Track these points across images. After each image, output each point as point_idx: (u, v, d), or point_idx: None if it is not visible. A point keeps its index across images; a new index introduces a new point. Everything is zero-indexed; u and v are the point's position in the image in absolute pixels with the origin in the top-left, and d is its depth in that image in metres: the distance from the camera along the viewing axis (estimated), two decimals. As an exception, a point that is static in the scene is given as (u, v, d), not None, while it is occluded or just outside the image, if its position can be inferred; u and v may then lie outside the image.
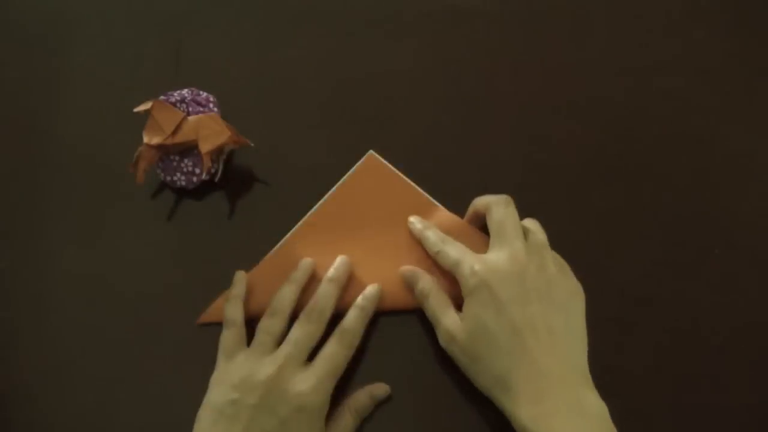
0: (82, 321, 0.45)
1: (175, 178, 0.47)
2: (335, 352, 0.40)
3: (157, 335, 0.45)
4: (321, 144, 0.50)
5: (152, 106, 0.45)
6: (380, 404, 0.42)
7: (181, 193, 0.49)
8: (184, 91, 0.48)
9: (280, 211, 0.47)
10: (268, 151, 0.49)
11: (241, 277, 0.44)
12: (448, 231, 0.45)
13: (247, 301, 0.44)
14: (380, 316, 0.44)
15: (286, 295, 0.42)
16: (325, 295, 0.42)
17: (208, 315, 0.45)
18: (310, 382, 0.38)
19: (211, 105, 0.48)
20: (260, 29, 0.54)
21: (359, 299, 0.43)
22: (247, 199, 0.49)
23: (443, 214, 0.47)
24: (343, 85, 0.52)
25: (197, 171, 0.47)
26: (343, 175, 0.48)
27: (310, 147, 0.49)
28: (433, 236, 0.43)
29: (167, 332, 0.45)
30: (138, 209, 0.48)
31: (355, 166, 0.48)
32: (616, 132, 0.50)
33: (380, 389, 0.42)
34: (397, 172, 0.48)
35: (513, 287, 0.38)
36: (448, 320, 0.40)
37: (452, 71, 0.52)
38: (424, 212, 0.47)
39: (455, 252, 0.41)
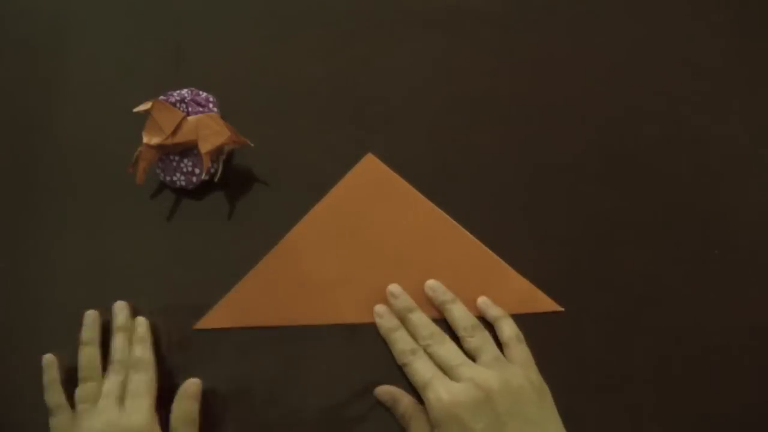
0: (81, 321, 0.45)
1: (174, 178, 0.47)
2: (138, 380, 0.41)
3: (157, 335, 0.45)
4: (321, 144, 0.50)
5: (152, 106, 0.45)
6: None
7: (181, 193, 0.49)
8: (184, 91, 0.48)
9: (280, 211, 0.47)
10: (268, 151, 0.49)
11: (49, 362, 0.43)
12: (445, 239, 0.45)
13: (247, 307, 0.44)
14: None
15: (89, 358, 0.42)
16: (119, 347, 0.43)
17: (206, 321, 0.45)
18: (129, 411, 0.39)
19: (211, 105, 0.48)
20: (260, 29, 0.54)
21: (136, 332, 0.44)
22: (247, 199, 0.48)
23: (440, 216, 0.47)
24: (343, 85, 0.52)
25: (197, 171, 0.47)
26: (343, 175, 0.48)
27: (310, 147, 0.49)
28: (401, 343, 0.42)
29: (167, 332, 0.45)
30: (138, 209, 0.48)
31: (353, 168, 0.48)
32: (616, 132, 0.50)
33: (192, 386, 0.42)
34: (395, 174, 0.48)
35: (484, 416, 0.37)
36: None
37: (453, 72, 0.52)
38: (422, 216, 0.47)
39: (424, 371, 0.40)
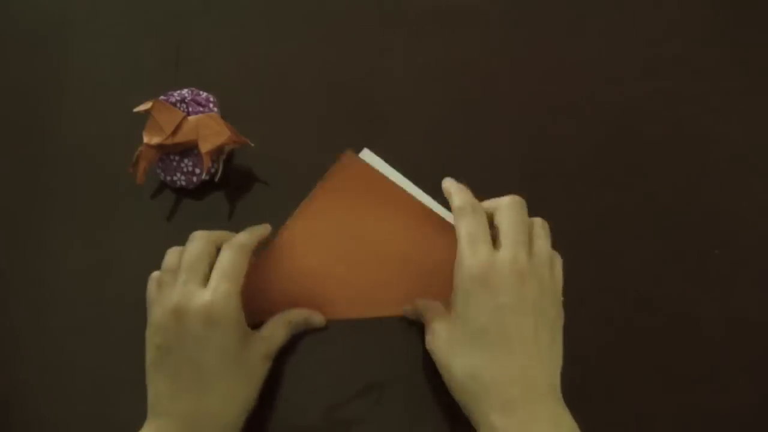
0: (82, 321, 0.45)
1: (175, 178, 0.47)
2: (227, 258, 0.39)
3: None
4: (321, 144, 0.50)
5: (152, 106, 0.45)
6: (372, 406, 0.42)
7: (181, 193, 0.49)
8: (184, 91, 0.48)
9: (280, 211, 0.47)
10: (268, 151, 0.49)
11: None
12: (423, 223, 0.46)
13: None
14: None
15: (200, 235, 0.41)
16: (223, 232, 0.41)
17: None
18: (208, 291, 0.38)
19: (211, 105, 0.48)
20: (260, 29, 0.54)
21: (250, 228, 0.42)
22: (247, 199, 0.49)
23: (419, 206, 0.47)
24: (343, 85, 0.52)
25: (197, 171, 0.47)
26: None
27: (310, 147, 0.49)
28: (466, 196, 0.40)
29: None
30: (138, 209, 0.48)
31: (332, 166, 0.48)
32: (616, 132, 0.50)
33: (317, 317, 0.42)
34: (374, 168, 0.48)
35: (512, 292, 0.36)
36: (436, 319, 0.40)
37: (453, 71, 0.52)
38: (404, 206, 0.47)
39: (471, 227, 0.38)
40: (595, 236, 0.47)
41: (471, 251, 0.37)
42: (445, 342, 0.38)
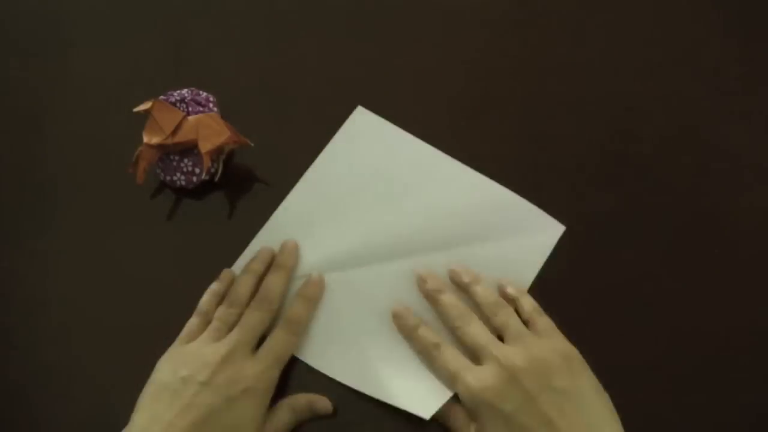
0: (82, 321, 0.45)
1: (175, 178, 0.47)
2: (280, 340, 0.41)
3: (158, 335, 0.45)
4: (321, 144, 0.49)
5: (152, 106, 0.45)
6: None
7: (181, 193, 0.49)
8: (184, 91, 0.48)
9: (280, 211, 0.47)
10: (268, 151, 0.49)
11: (225, 274, 0.45)
12: (448, 178, 0.47)
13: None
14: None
15: (244, 285, 0.43)
16: (273, 283, 0.43)
17: None
18: (258, 367, 0.39)
19: (211, 105, 0.48)
20: (260, 29, 0.54)
21: (303, 286, 0.44)
22: (247, 199, 0.49)
23: (440, 156, 0.48)
24: (343, 84, 0.52)
25: (197, 171, 0.47)
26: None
27: (310, 147, 0.49)
28: (424, 339, 0.42)
29: (167, 332, 0.45)
30: (138, 209, 0.48)
31: (344, 122, 0.49)
32: (616, 132, 0.50)
33: (322, 402, 0.42)
34: (389, 123, 0.49)
35: (513, 396, 0.37)
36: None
37: (453, 71, 0.52)
38: (423, 161, 0.48)
39: (450, 364, 0.40)
40: (595, 236, 0.47)
41: (461, 384, 0.38)
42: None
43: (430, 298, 0.43)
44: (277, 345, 0.41)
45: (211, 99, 0.49)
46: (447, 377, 0.40)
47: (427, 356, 0.41)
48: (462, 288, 0.44)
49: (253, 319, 0.41)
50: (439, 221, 0.46)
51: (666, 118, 0.51)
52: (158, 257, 0.47)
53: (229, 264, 0.46)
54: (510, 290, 0.44)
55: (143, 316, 0.45)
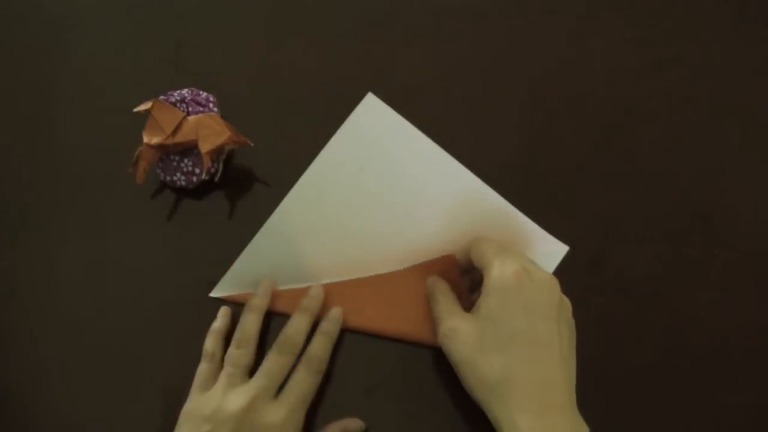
0: (82, 321, 0.45)
1: (175, 178, 0.47)
2: (303, 380, 0.41)
3: (157, 335, 0.45)
4: (321, 144, 0.49)
5: (152, 106, 0.45)
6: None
7: (181, 193, 0.49)
8: (184, 91, 0.48)
9: (280, 211, 0.47)
10: (268, 151, 0.49)
11: (225, 312, 0.44)
12: (450, 179, 0.47)
13: (261, 268, 0.45)
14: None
15: (251, 324, 0.42)
16: (297, 326, 0.42)
17: (222, 288, 0.46)
18: (282, 413, 0.39)
19: (211, 105, 0.48)
20: (260, 29, 0.54)
21: (323, 324, 0.43)
22: (247, 199, 0.49)
23: (443, 156, 0.48)
24: (343, 84, 0.52)
25: (197, 171, 0.47)
26: (343, 175, 0.48)
27: (310, 147, 0.49)
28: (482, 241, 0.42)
29: (167, 332, 0.45)
30: (138, 209, 0.48)
31: (354, 109, 0.49)
32: (616, 131, 0.50)
33: (354, 424, 0.42)
34: (398, 115, 0.49)
35: (544, 299, 0.38)
36: (452, 317, 0.40)
37: (453, 72, 0.52)
38: (426, 155, 0.48)
39: (494, 246, 0.40)
40: (594, 236, 0.47)
41: (501, 260, 0.39)
42: (472, 342, 0.38)
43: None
44: (299, 386, 0.40)
45: (211, 99, 0.49)
46: (487, 255, 0.40)
47: (481, 241, 0.42)
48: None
49: (278, 366, 0.41)
50: (445, 231, 0.46)
51: (666, 117, 0.51)
52: (158, 257, 0.47)
53: (230, 263, 0.46)
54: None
55: (143, 316, 0.45)
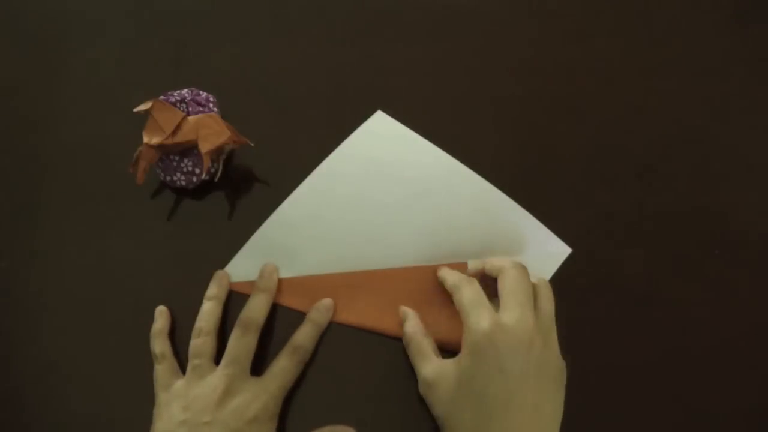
0: (81, 321, 0.45)
1: (175, 178, 0.47)
2: (286, 367, 0.41)
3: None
4: (321, 144, 0.49)
5: (152, 106, 0.45)
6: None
7: (181, 193, 0.49)
8: (184, 91, 0.48)
9: (280, 211, 0.47)
10: (268, 151, 0.49)
11: (160, 313, 0.44)
12: (462, 187, 0.47)
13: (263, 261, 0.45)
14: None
15: (210, 313, 0.43)
16: (256, 305, 0.43)
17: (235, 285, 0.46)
18: (262, 396, 0.39)
19: (211, 105, 0.48)
20: (261, 29, 0.54)
21: (312, 312, 0.44)
22: (247, 199, 0.49)
23: (454, 164, 0.48)
24: (343, 84, 0.52)
25: (197, 171, 0.47)
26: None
27: (310, 147, 0.49)
28: (451, 276, 0.43)
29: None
30: (138, 209, 0.48)
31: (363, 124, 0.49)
32: (616, 131, 0.50)
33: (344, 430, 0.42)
34: (408, 129, 0.49)
35: (519, 358, 0.37)
36: (428, 368, 0.40)
37: (453, 72, 0.52)
38: (437, 167, 0.48)
39: (471, 295, 0.40)
40: (595, 236, 0.47)
41: (476, 315, 0.38)
42: (445, 394, 0.39)
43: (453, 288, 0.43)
44: (281, 372, 0.41)
45: (211, 99, 0.49)
46: (465, 306, 0.39)
47: (454, 288, 0.41)
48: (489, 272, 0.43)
49: (243, 346, 0.41)
50: (447, 230, 0.46)
51: (666, 117, 0.51)
52: (158, 257, 0.47)
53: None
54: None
55: (143, 316, 0.45)
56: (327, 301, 0.44)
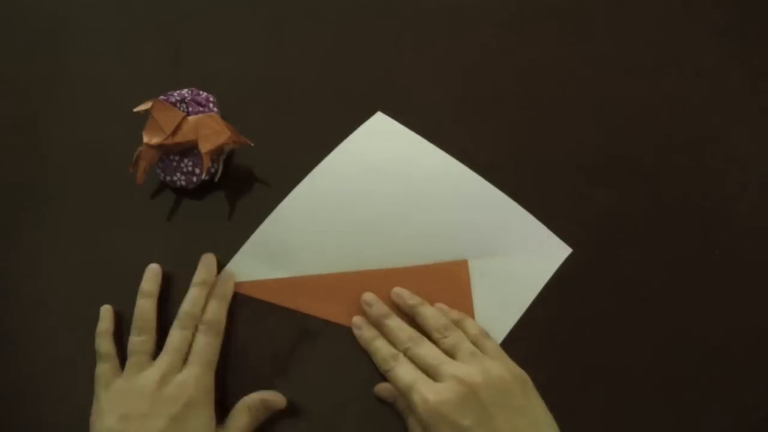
0: (82, 321, 0.45)
1: (175, 178, 0.47)
2: (206, 344, 0.42)
3: (157, 335, 0.45)
4: (321, 144, 0.49)
5: (152, 106, 0.45)
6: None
7: (181, 193, 0.49)
8: (184, 91, 0.48)
9: (280, 211, 0.47)
10: (268, 151, 0.49)
11: (106, 312, 0.44)
12: (461, 187, 0.47)
13: (262, 260, 0.46)
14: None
15: (146, 309, 0.43)
16: (193, 299, 0.43)
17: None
18: (191, 378, 0.39)
19: (211, 105, 0.48)
20: (260, 29, 0.54)
21: (216, 287, 0.44)
22: (247, 199, 0.49)
23: (456, 165, 0.48)
24: (343, 85, 0.52)
25: (197, 171, 0.47)
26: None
27: (310, 147, 0.49)
28: (382, 350, 0.42)
29: (166, 332, 0.45)
30: (138, 209, 0.48)
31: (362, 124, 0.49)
32: (617, 132, 0.50)
33: (274, 397, 0.42)
34: (408, 130, 0.49)
35: (471, 411, 0.37)
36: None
37: (454, 72, 0.52)
38: (437, 167, 0.48)
39: (406, 375, 0.39)
40: (595, 236, 0.47)
41: (418, 396, 0.38)
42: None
43: (377, 323, 0.43)
44: (203, 351, 0.41)
45: (211, 99, 0.49)
46: (403, 388, 0.39)
47: (385, 366, 0.41)
48: (407, 311, 0.44)
49: (180, 340, 0.41)
50: (447, 230, 0.46)
51: (667, 118, 0.51)
52: (158, 257, 0.47)
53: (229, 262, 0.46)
54: (454, 314, 0.44)
55: (143, 316, 0.45)
56: (227, 273, 0.45)
